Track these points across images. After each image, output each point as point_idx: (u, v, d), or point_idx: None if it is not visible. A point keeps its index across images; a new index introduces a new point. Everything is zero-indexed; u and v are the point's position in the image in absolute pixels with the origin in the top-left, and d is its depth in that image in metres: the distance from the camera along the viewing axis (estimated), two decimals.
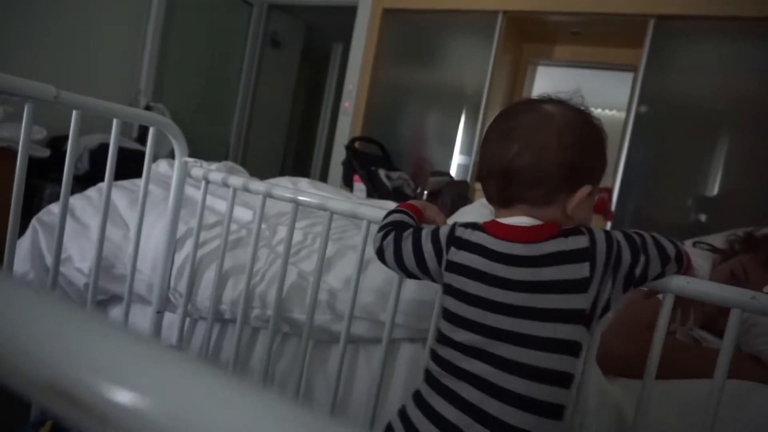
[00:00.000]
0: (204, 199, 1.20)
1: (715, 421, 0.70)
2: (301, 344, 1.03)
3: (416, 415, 0.66)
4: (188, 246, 1.23)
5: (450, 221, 0.78)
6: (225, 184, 1.16)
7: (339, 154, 3.45)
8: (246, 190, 1.13)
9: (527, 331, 0.61)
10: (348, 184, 3.14)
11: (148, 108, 3.33)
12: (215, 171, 1.23)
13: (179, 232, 1.27)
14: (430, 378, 0.68)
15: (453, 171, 3.34)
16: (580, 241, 0.63)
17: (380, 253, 0.79)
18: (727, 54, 2.67)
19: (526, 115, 0.67)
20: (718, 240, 1.37)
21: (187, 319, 1.25)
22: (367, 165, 3.02)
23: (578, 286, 0.61)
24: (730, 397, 0.88)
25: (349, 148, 3.17)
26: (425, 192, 2.67)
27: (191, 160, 1.23)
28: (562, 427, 0.63)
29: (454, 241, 0.70)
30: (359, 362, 1.08)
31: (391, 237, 0.77)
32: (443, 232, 0.72)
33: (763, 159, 2.58)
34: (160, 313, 1.24)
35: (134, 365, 0.16)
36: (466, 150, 3.34)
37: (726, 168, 2.66)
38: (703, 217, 2.70)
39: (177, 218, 1.24)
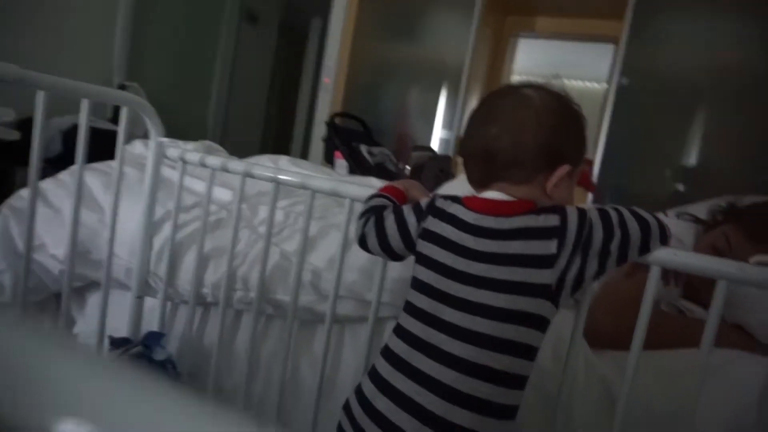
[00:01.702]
0: (182, 181, 1.17)
1: (702, 389, 0.71)
2: (286, 326, 1.01)
3: (368, 387, 0.69)
4: (167, 229, 1.20)
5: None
6: (203, 165, 1.12)
7: (320, 131, 3.40)
8: (224, 170, 1.09)
9: (484, 301, 0.63)
10: (329, 160, 3.10)
11: (122, 87, 3.23)
12: (192, 151, 1.19)
13: (157, 215, 1.23)
14: (386, 351, 0.70)
15: (435, 145, 3.32)
16: (551, 220, 0.64)
17: (362, 241, 0.80)
18: (708, 27, 2.66)
19: (506, 99, 0.70)
20: (700, 210, 1.38)
21: (169, 304, 1.23)
22: (348, 141, 2.97)
23: (543, 261, 0.63)
24: (714, 366, 0.89)
25: (330, 124, 3.12)
26: (408, 167, 2.64)
27: (166, 140, 1.18)
28: (519, 396, 0.65)
29: (433, 210, 0.72)
30: (345, 342, 1.07)
31: (371, 221, 0.78)
32: (424, 203, 0.75)
33: (741, 130, 2.61)
34: (140, 299, 1.21)
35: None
36: (448, 124, 3.32)
37: (706, 139, 2.68)
38: (683, 188, 2.73)
39: (154, 201, 1.21)
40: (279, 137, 5.26)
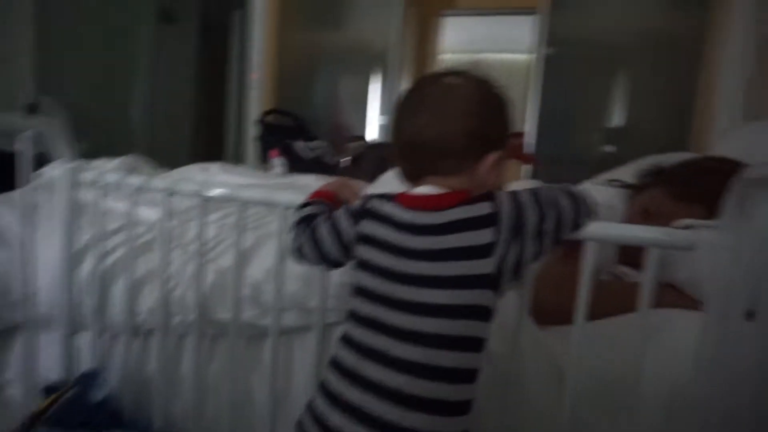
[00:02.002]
0: (100, 205, 1.09)
1: (644, 351, 0.73)
2: (230, 345, 0.97)
3: (320, 403, 0.67)
4: (91, 257, 1.12)
5: (371, 190, 0.76)
6: (122, 187, 1.05)
7: (252, 130, 3.30)
8: (146, 190, 1.03)
9: (428, 300, 0.62)
10: (265, 160, 3.02)
11: (32, 107, 3.01)
12: (110, 171, 1.12)
13: (79, 243, 1.15)
14: (334, 362, 0.68)
15: (374, 132, 3.29)
16: (484, 208, 0.64)
17: (298, 254, 0.77)
18: None
19: (430, 89, 0.69)
20: (628, 173, 1.42)
21: (104, 337, 1.15)
22: (283, 138, 2.91)
23: (481, 251, 0.62)
24: (654, 327, 0.92)
25: (262, 122, 3.04)
26: (346, 159, 2.61)
27: (77, 164, 1.10)
28: (473, 389, 0.65)
29: (367, 212, 0.70)
30: (295, 352, 1.04)
31: (304, 233, 0.76)
32: (357, 205, 0.73)
33: (663, 90, 2.72)
34: (70, 336, 1.13)
35: None
36: (384, 110, 3.30)
37: (630, 101, 2.78)
38: (614, 149, 2.83)
39: (71, 230, 1.13)
40: (211, 140, 5.08)
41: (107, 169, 1.55)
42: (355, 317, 0.68)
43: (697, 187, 1.09)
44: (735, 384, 0.65)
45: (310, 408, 0.69)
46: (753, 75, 2.29)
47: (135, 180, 1.04)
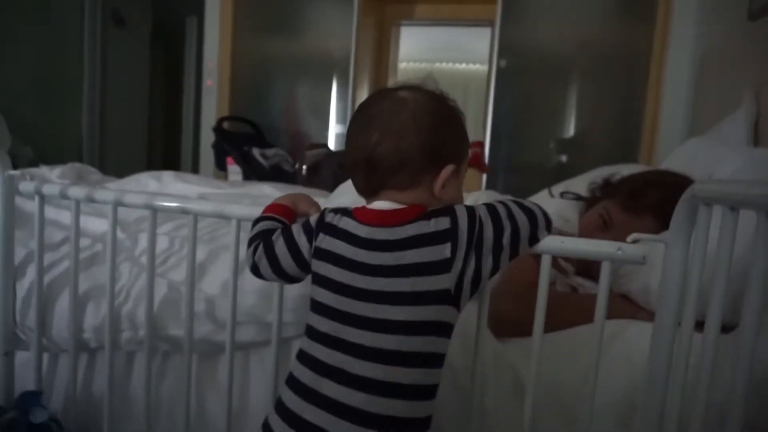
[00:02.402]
0: (41, 217, 1.04)
1: (599, 360, 0.74)
2: (184, 361, 0.93)
3: (278, 424, 0.65)
4: (32, 272, 1.06)
5: (329, 202, 0.75)
6: (65, 197, 1.00)
7: (209, 138, 3.23)
8: (91, 200, 0.98)
9: (387, 316, 0.62)
10: (222, 168, 2.96)
11: None
12: (52, 182, 1.06)
13: (18, 258, 1.09)
14: (291, 380, 0.67)
15: (331, 141, 3.27)
16: (442, 223, 0.64)
17: (255, 270, 0.76)
18: (572, 3, 2.83)
19: (382, 104, 0.68)
20: (580, 186, 1.46)
21: (47, 356, 1.09)
22: (240, 145, 2.85)
23: (440, 266, 0.62)
24: (608, 336, 0.94)
25: (218, 129, 2.98)
26: (304, 167, 2.58)
27: (16, 172, 1.04)
28: (432, 405, 0.65)
29: (324, 227, 0.69)
30: (251, 368, 1.01)
31: (261, 249, 0.74)
32: (313, 219, 0.71)
33: (613, 101, 2.82)
34: (8, 355, 1.06)
35: None
36: (342, 118, 3.28)
37: (580, 111, 2.88)
38: (566, 159, 2.91)
39: (10, 243, 1.06)
40: (167, 148, 4.94)
41: (49, 177, 1.49)
42: (312, 333, 0.67)
43: (648, 200, 1.13)
44: (687, 392, 0.67)
45: (266, 427, 0.67)
46: (696, 88, 2.40)
47: (78, 191, 0.99)
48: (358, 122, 0.69)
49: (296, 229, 0.72)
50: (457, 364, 0.94)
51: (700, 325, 0.65)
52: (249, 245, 0.76)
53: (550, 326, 0.80)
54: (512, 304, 0.97)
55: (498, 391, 0.93)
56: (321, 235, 0.69)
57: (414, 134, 0.65)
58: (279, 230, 0.74)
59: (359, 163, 0.67)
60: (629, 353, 0.94)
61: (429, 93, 0.69)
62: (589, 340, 0.76)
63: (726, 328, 0.83)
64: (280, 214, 0.78)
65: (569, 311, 1.00)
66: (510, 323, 0.97)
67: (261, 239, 0.75)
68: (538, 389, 0.78)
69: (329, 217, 0.70)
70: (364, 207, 0.69)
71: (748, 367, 0.52)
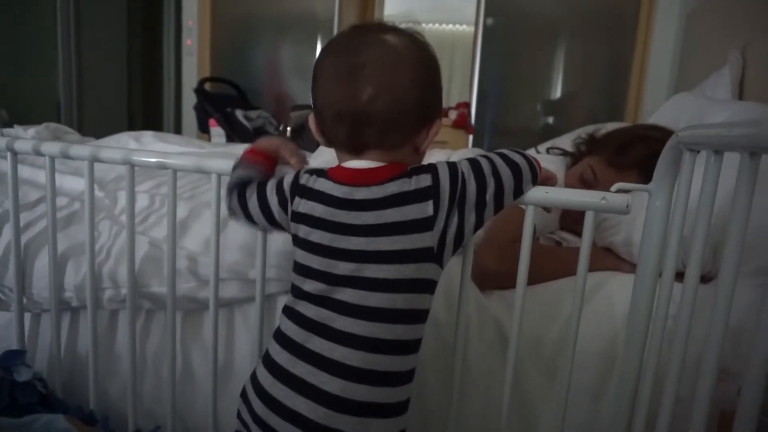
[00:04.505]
0: (15, 174, 1.01)
1: (580, 313, 0.75)
2: (167, 319, 0.93)
3: (265, 377, 0.65)
4: (8, 231, 1.04)
5: (313, 158, 0.73)
6: (38, 153, 0.97)
7: (190, 99, 3.15)
8: (66, 156, 0.95)
9: (370, 275, 0.61)
10: (204, 130, 2.90)
11: None
12: (26, 138, 1.03)
13: None
14: (278, 335, 0.67)
15: None
16: (424, 180, 0.62)
17: (233, 216, 0.75)
18: None
19: (373, 51, 0.61)
20: (566, 143, 1.45)
21: (28, 315, 1.08)
22: (222, 107, 2.79)
23: (422, 225, 0.61)
24: (590, 288, 0.95)
25: (199, 90, 2.91)
26: (288, 129, 2.54)
27: None
28: (415, 359, 0.65)
29: (298, 189, 0.67)
30: (236, 324, 1.01)
31: (235, 201, 0.73)
32: (287, 181, 0.69)
33: (597, 60, 2.79)
34: None
35: None
36: None
37: (567, 72, 2.85)
38: (551, 120, 2.90)
39: None
40: (148, 110, 4.82)
41: (24, 135, 1.44)
42: (298, 293, 0.66)
43: (631, 154, 1.13)
44: (665, 342, 0.68)
45: (254, 379, 0.67)
46: (682, 47, 2.38)
47: (52, 147, 0.96)
48: (340, 66, 0.62)
49: (270, 187, 0.71)
50: (440, 318, 0.95)
51: (679, 277, 0.66)
52: (228, 192, 0.75)
53: (533, 278, 0.80)
54: (496, 258, 0.97)
55: (480, 344, 0.95)
56: (297, 199, 0.67)
57: (414, 93, 0.61)
58: (254, 183, 0.73)
59: (343, 117, 0.62)
60: (610, 305, 0.95)
61: (417, 41, 0.64)
62: (571, 291, 0.77)
63: (703, 279, 0.84)
64: (261, 161, 0.76)
65: (552, 264, 1.01)
66: (493, 276, 0.98)
67: (236, 190, 0.74)
68: (521, 340, 0.79)
69: (304, 179, 0.67)
70: (339, 166, 0.65)
71: (726, 314, 0.52)
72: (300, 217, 0.66)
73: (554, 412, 0.79)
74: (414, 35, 0.65)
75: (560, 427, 0.77)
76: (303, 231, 0.66)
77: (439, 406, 0.90)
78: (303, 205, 0.66)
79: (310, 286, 0.64)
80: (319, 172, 0.67)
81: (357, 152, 0.64)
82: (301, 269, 0.66)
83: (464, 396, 0.93)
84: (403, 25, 0.66)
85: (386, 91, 0.60)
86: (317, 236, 0.64)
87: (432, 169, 0.63)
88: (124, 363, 1.01)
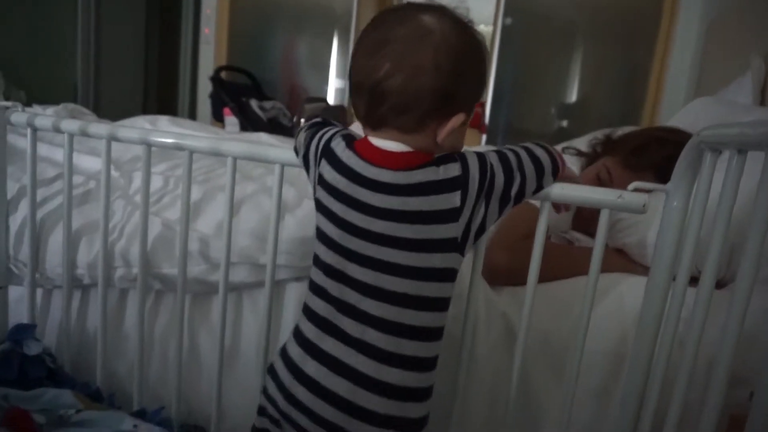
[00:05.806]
0: (34, 150, 1.02)
1: (590, 313, 0.74)
2: (177, 300, 0.94)
3: (295, 351, 0.66)
4: (25, 207, 1.05)
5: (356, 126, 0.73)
6: (57, 130, 0.98)
7: (206, 87, 3.16)
8: (84, 134, 0.96)
9: (389, 259, 0.61)
10: (218, 118, 2.92)
11: None
12: (46, 115, 1.04)
13: (10, 192, 1.08)
14: (307, 310, 0.67)
15: (330, 96, 3.22)
16: (452, 170, 0.60)
17: (296, 152, 0.78)
18: None
19: (402, 27, 0.59)
20: (582, 144, 1.44)
21: (40, 291, 1.09)
22: (237, 96, 2.80)
23: (448, 215, 0.60)
24: (601, 289, 0.94)
25: (215, 79, 2.92)
26: (302, 120, 2.55)
27: (8, 104, 1.02)
28: (440, 346, 0.66)
29: (327, 152, 0.66)
30: (244, 310, 1.01)
31: (302, 136, 0.75)
32: (325, 136, 0.68)
33: (613, 66, 2.76)
34: (2, 289, 1.06)
35: None
36: (342, 73, 3.22)
37: (584, 76, 2.82)
38: (566, 123, 2.88)
39: (3, 176, 1.05)
40: (163, 97, 4.84)
41: (44, 113, 1.46)
42: (318, 263, 0.66)
43: (648, 156, 1.11)
44: (676, 346, 0.68)
45: (285, 355, 0.67)
46: (703, 54, 2.36)
47: (71, 125, 0.96)
48: (369, 41, 0.61)
49: (321, 133, 0.69)
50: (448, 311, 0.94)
51: (693, 281, 0.65)
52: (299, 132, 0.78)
53: (543, 276, 0.79)
54: (507, 255, 0.97)
55: (488, 339, 0.94)
56: (323, 161, 0.66)
57: (431, 75, 0.57)
58: (316, 123, 0.74)
59: (363, 90, 0.61)
60: (621, 305, 0.94)
61: (458, 23, 0.60)
62: (582, 290, 0.76)
63: (717, 285, 0.83)
64: None
65: (564, 262, 1.00)
66: (504, 273, 0.97)
67: (313, 129, 0.73)
68: (529, 338, 0.79)
69: (335, 142, 0.66)
70: (366, 140, 0.64)
71: (741, 319, 0.52)
72: (324, 184, 0.65)
73: (560, 410, 0.78)
74: (460, 21, 0.61)
75: (566, 425, 0.76)
76: (326, 199, 0.65)
77: (443, 400, 0.90)
78: (328, 173, 0.65)
79: (330, 257, 0.64)
80: (349, 141, 0.65)
81: (375, 127, 0.62)
82: (321, 236, 0.66)
83: (469, 390, 0.92)
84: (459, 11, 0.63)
85: (401, 69, 0.58)
86: (339, 209, 0.63)
87: (461, 158, 0.61)
88: (131, 342, 1.01)
